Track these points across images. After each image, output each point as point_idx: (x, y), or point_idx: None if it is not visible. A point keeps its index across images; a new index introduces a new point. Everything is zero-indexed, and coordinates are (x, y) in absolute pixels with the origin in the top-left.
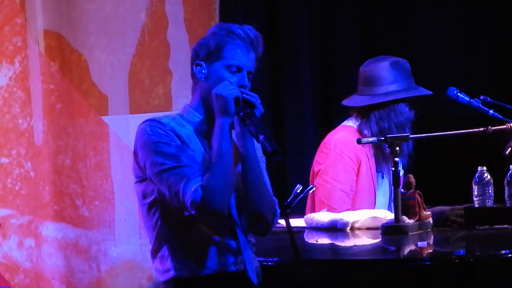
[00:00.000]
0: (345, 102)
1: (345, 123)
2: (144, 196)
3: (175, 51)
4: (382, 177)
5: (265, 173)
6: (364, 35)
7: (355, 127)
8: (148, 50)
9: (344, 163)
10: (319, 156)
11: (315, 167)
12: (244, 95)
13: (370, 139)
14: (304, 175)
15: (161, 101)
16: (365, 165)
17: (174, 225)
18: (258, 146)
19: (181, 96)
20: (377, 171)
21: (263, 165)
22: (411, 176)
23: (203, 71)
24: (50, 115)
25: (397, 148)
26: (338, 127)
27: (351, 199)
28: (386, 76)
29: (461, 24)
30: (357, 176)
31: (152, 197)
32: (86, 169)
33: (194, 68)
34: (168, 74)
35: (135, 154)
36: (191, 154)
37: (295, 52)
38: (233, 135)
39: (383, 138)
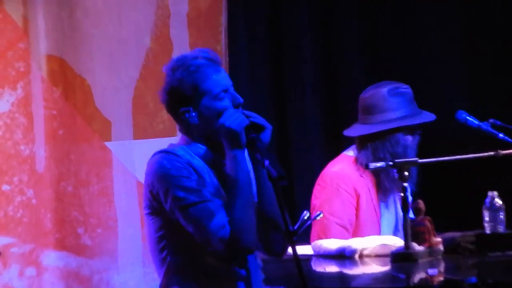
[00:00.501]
0: (346, 132)
1: (346, 152)
2: (154, 229)
3: None
4: (386, 207)
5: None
6: (366, 35)
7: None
8: (152, 74)
9: (341, 197)
10: (316, 190)
11: (313, 200)
12: (251, 119)
13: (378, 164)
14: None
15: (165, 126)
16: (365, 198)
17: (184, 259)
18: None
19: None
20: (380, 201)
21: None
22: (420, 201)
23: (193, 115)
24: (53, 141)
25: (406, 173)
26: (338, 157)
27: (351, 233)
28: (383, 104)
29: (462, 24)
30: (357, 210)
31: (162, 232)
32: (88, 196)
33: (182, 117)
34: None
35: (150, 186)
36: (210, 188)
37: (296, 55)
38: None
39: (391, 163)
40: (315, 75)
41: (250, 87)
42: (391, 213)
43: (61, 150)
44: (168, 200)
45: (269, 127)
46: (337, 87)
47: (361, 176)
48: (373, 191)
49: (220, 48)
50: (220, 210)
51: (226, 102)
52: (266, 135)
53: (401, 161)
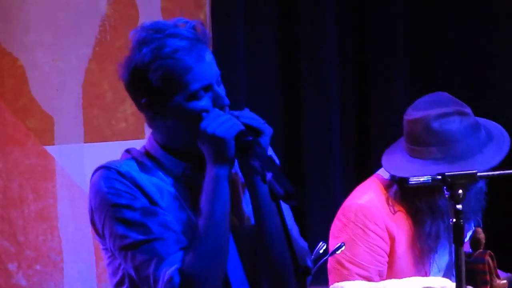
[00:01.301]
0: (384, 164)
1: (382, 172)
2: (111, 270)
3: None
4: (437, 250)
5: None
6: (412, 27)
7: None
8: (110, 52)
9: (367, 241)
10: (335, 226)
11: (331, 240)
12: (242, 119)
13: (422, 179)
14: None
15: (129, 124)
16: (405, 241)
17: None
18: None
19: None
20: (431, 245)
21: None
22: (479, 230)
23: (157, 111)
24: None
25: (460, 191)
26: (368, 181)
27: None
28: (427, 138)
29: None
30: (390, 257)
31: (120, 274)
32: (22, 219)
33: (145, 108)
34: None
35: (91, 216)
36: (163, 218)
37: (318, 41)
38: None
39: (440, 177)
40: (341, 69)
41: (246, 78)
42: (444, 256)
43: None
44: (106, 236)
45: (268, 131)
46: (369, 87)
47: (398, 211)
48: (417, 228)
49: (204, 18)
50: (172, 250)
51: (205, 102)
52: (264, 142)
53: (453, 174)
